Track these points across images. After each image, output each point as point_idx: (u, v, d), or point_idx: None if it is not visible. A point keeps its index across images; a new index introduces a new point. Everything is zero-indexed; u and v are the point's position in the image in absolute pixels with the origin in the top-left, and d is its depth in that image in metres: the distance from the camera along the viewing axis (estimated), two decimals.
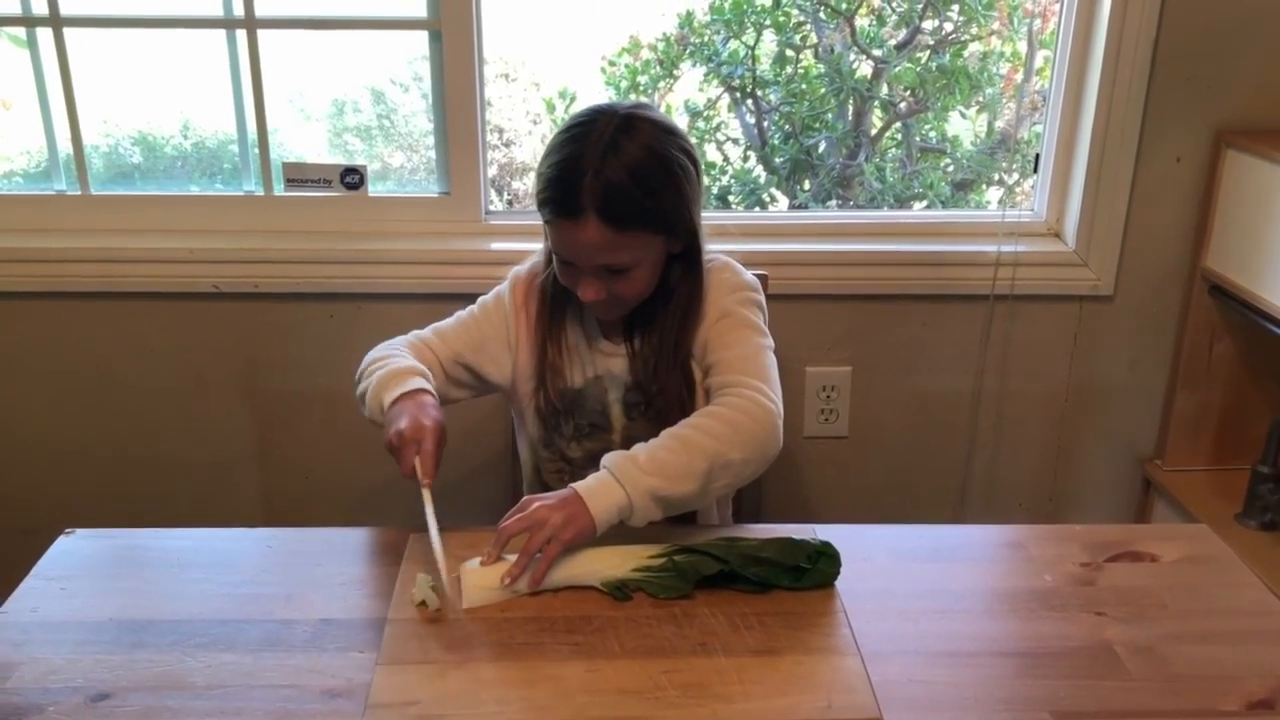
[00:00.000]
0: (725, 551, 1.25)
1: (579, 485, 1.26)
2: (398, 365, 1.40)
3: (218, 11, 1.95)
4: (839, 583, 1.26)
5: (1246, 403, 2.08)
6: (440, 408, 1.36)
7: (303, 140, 2.34)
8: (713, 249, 1.50)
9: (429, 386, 1.38)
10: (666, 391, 1.46)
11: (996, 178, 2.53)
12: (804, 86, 2.46)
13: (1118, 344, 2.10)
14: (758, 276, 1.64)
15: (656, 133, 1.36)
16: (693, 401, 1.47)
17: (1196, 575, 1.31)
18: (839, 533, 1.31)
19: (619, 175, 1.31)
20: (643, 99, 2.45)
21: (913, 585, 1.28)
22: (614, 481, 1.26)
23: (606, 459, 1.29)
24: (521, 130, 2.78)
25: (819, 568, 1.25)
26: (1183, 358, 2.06)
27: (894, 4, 2.40)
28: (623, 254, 1.35)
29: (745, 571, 1.24)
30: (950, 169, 2.58)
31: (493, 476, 2.03)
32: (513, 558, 1.23)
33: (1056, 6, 2.03)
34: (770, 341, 1.45)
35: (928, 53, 2.43)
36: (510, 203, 2.75)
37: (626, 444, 1.32)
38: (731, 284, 1.47)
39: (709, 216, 1.55)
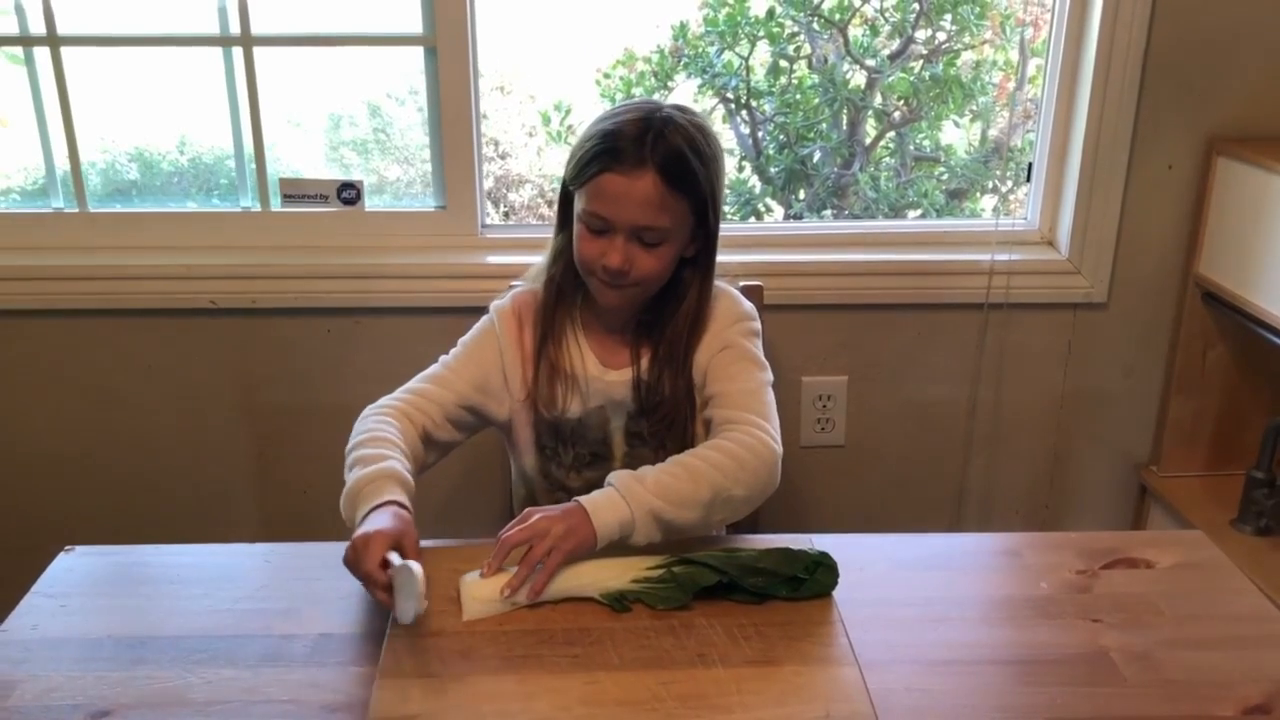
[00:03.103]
0: (723, 562, 1.25)
1: (583, 498, 1.27)
2: (374, 471, 1.30)
3: (214, 29, 1.96)
4: (836, 592, 1.26)
5: (1241, 408, 2.09)
6: (409, 513, 1.27)
7: (299, 154, 2.35)
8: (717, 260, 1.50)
9: (403, 498, 1.28)
10: (673, 401, 1.46)
11: (991, 186, 2.54)
12: (798, 97, 2.47)
13: (1112, 351, 2.11)
14: (753, 286, 1.66)
15: (703, 122, 1.42)
16: (694, 425, 1.47)
17: (1192, 581, 1.31)
18: (836, 542, 1.32)
19: (678, 140, 1.36)
20: None
21: (910, 594, 1.28)
22: (619, 497, 1.27)
23: (612, 477, 1.30)
24: (517, 143, 2.79)
25: (816, 578, 1.26)
26: (1177, 364, 2.07)
27: (887, 14, 2.41)
28: (664, 218, 1.37)
29: (743, 582, 1.24)
30: (945, 177, 2.59)
31: (492, 492, 2.03)
32: (513, 569, 1.24)
33: (1048, 15, 2.04)
34: (770, 375, 1.46)
35: (921, 62, 2.44)
36: (507, 214, 2.75)
37: None
38: (734, 313, 1.48)
39: None
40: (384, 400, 1.45)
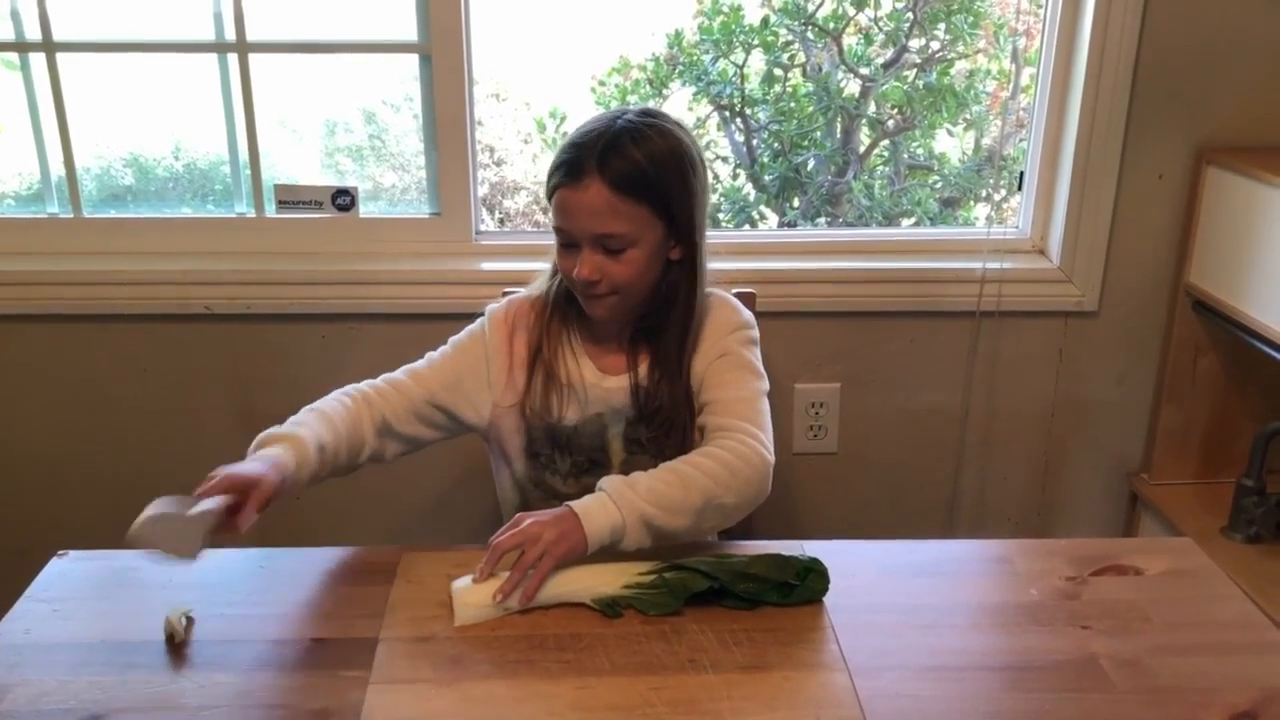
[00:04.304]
0: (715, 568, 1.26)
1: (574, 503, 1.28)
2: (281, 431, 1.40)
3: (210, 36, 1.97)
4: (827, 598, 1.27)
5: (1231, 417, 2.09)
6: (289, 469, 1.35)
7: (294, 161, 2.35)
8: (709, 268, 1.50)
9: (287, 457, 1.35)
10: (672, 407, 1.46)
11: (984, 194, 2.55)
12: (792, 105, 2.48)
13: (1103, 360, 2.11)
14: (745, 294, 1.66)
15: (671, 126, 1.41)
16: (693, 431, 1.47)
17: (1180, 588, 1.32)
18: (827, 548, 1.32)
19: (627, 146, 1.36)
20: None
21: (900, 600, 1.29)
22: (610, 502, 1.27)
23: (603, 482, 1.31)
24: (512, 149, 2.80)
25: (808, 584, 1.26)
26: (1167, 373, 2.08)
27: (881, 23, 2.42)
28: (620, 223, 1.37)
29: (734, 588, 1.25)
30: (938, 186, 2.60)
31: (485, 497, 2.04)
32: (505, 575, 1.24)
33: (1040, 25, 2.05)
34: (766, 384, 1.46)
35: (915, 71, 2.46)
36: (502, 221, 2.76)
37: None
38: (732, 322, 1.49)
39: None
40: (360, 383, 1.49)
